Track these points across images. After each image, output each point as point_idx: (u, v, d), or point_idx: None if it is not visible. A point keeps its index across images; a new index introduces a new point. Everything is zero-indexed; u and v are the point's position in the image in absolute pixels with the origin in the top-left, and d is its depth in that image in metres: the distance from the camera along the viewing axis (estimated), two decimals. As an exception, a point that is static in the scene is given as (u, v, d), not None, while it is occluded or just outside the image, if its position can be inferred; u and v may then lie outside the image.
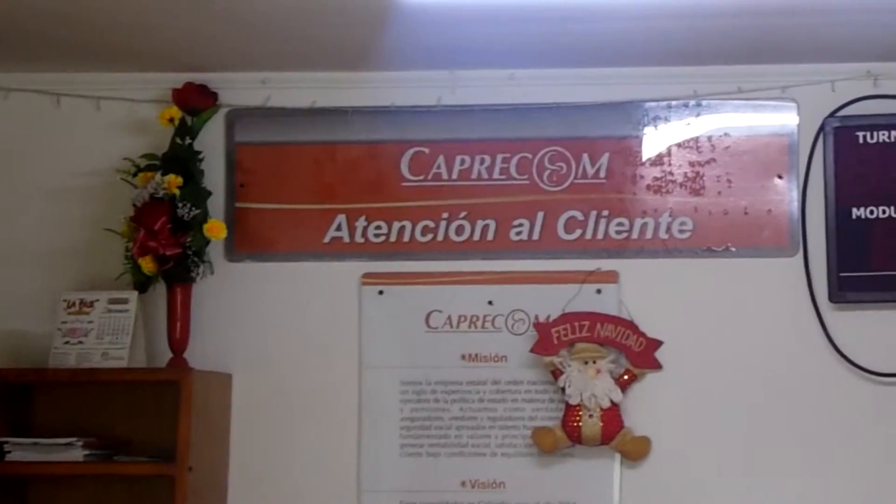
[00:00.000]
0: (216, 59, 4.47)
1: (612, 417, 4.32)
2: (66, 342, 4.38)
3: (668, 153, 4.47)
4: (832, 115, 4.35)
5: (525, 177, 4.52)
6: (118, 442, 4.38)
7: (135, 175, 4.47)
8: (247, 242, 4.61)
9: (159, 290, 4.45)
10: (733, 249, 4.41)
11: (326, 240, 4.56)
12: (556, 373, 4.34)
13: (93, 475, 4.36)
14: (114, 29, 4.14)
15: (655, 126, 4.49)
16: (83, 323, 4.39)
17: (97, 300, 4.43)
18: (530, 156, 4.53)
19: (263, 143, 4.64)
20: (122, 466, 4.33)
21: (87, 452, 4.25)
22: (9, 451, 4.28)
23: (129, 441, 4.39)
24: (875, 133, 4.32)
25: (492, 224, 4.52)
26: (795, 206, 4.41)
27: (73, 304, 4.40)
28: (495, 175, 4.54)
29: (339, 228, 4.56)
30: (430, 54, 4.37)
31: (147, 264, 4.35)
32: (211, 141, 4.59)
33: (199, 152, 4.52)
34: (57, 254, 4.58)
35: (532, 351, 4.38)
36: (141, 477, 4.35)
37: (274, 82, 4.55)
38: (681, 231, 4.44)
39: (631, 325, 4.37)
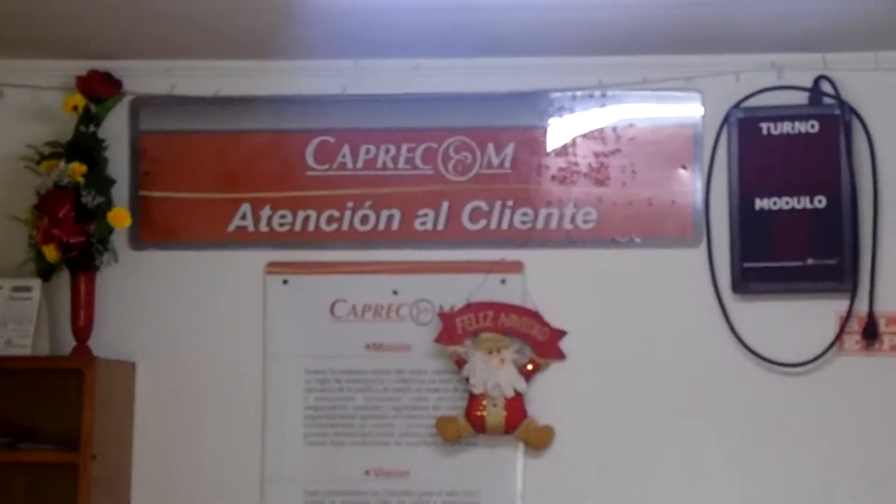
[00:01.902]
0: (121, 47, 4.45)
1: (516, 407, 4.33)
2: None
3: (573, 143, 4.48)
4: (736, 105, 4.38)
5: (430, 167, 4.53)
6: (21, 430, 4.35)
7: (38, 163, 4.46)
8: (151, 231, 4.60)
9: (63, 278, 4.45)
10: (637, 240, 4.44)
11: (231, 228, 4.57)
12: (460, 362, 4.36)
13: None
14: (17, 15, 4.09)
15: (560, 116, 4.49)
16: None
17: (0, 288, 4.41)
18: (435, 145, 4.53)
19: (168, 131, 4.63)
20: (25, 454, 4.30)
21: None
22: None
23: (32, 429, 4.36)
24: (778, 124, 4.36)
25: (396, 214, 4.53)
26: (699, 196, 4.41)
27: None
28: (400, 165, 4.54)
29: (243, 217, 4.56)
30: (335, 43, 4.36)
31: (51, 252, 4.34)
32: (115, 129, 4.58)
33: (103, 140, 4.50)
34: None
35: (436, 340, 4.39)
36: (44, 465, 4.34)
37: (179, 70, 4.56)
38: (585, 221, 4.46)
39: (535, 316, 4.38)
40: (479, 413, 4.31)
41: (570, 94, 4.48)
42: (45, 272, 4.39)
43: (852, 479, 4.34)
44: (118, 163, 4.56)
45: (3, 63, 4.54)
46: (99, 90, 4.50)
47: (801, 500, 4.36)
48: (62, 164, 4.39)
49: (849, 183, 4.32)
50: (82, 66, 4.50)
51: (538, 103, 4.50)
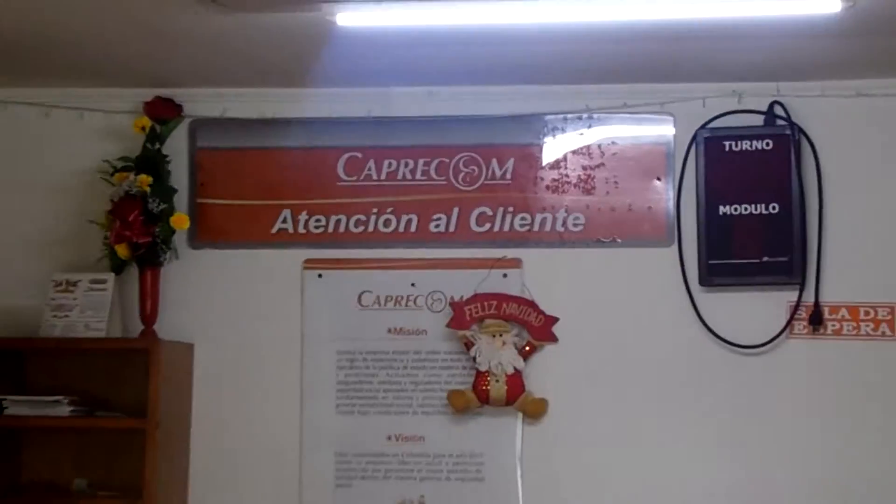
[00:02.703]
0: (181, 77, 4.63)
1: (516, 382, 4.56)
2: (55, 315, 4.61)
3: (564, 159, 4.67)
4: (703, 126, 4.57)
5: (443, 178, 4.72)
6: (98, 400, 4.59)
7: (112, 175, 4.65)
8: (207, 232, 4.79)
9: (132, 273, 4.66)
10: (619, 241, 4.62)
11: (274, 230, 4.76)
12: (468, 344, 4.58)
13: (76, 428, 4.59)
14: (94, 50, 4.30)
15: (553, 136, 4.69)
16: (69, 299, 4.61)
17: (80, 280, 4.64)
18: (447, 160, 4.72)
19: (220, 148, 4.82)
20: (102, 421, 4.56)
21: (71, 408, 4.50)
22: (6, 407, 4.52)
23: (107, 400, 4.60)
24: (739, 142, 4.55)
25: (414, 218, 4.71)
26: (672, 203, 4.60)
27: (61, 283, 4.64)
28: (417, 176, 4.73)
29: (284, 221, 4.75)
30: (362, 73, 4.53)
31: (122, 250, 4.55)
32: (176, 146, 4.78)
33: (166, 156, 4.70)
34: (48, 241, 4.80)
35: (448, 326, 4.62)
36: (117, 430, 4.57)
37: (229, 97, 4.75)
38: (574, 225, 4.64)
39: (532, 304, 4.59)
40: (484, 387, 4.55)
41: (561, 116, 4.67)
42: (118, 267, 4.62)
43: (800, 442, 4.53)
44: (179, 174, 4.76)
45: (82, 91, 4.74)
46: (163, 113, 4.70)
47: (756, 459, 4.52)
48: (132, 176, 4.61)
49: (798, 192, 4.48)
50: (149, 93, 4.70)
51: (534, 124, 4.69)
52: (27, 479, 4.72)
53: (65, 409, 4.50)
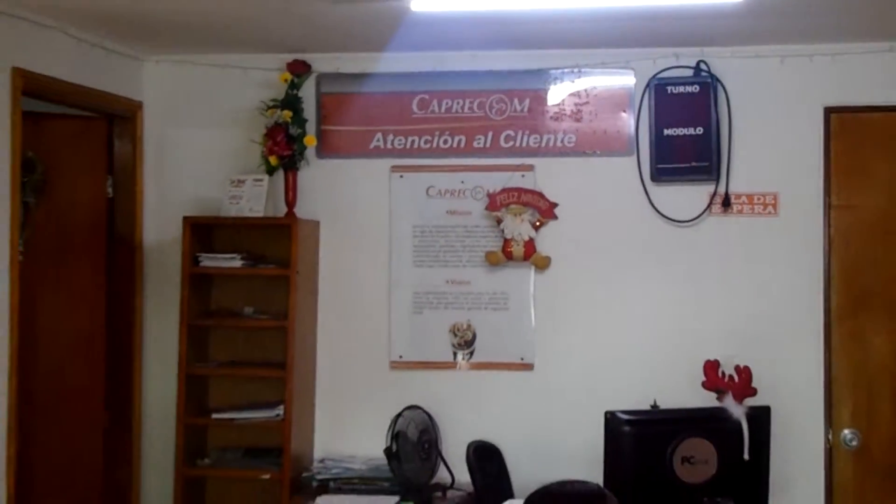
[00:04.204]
0: (311, 45, 5.54)
1: (530, 245, 5.60)
2: (231, 202, 5.64)
3: (563, 99, 5.67)
4: (653, 77, 5.55)
5: (482, 112, 5.70)
6: (259, 256, 5.61)
7: (266, 111, 5.62)
8: (328, 148, 5.76)
9: (280, 175, 5.67)
10: (598, 152, 5.64)
11: (371, 147, 5.75)
12: (498, 220, 5.61)
13: (245, 274, 5.57)
14: (254, 28, 5.18)
15: (555, 84, 5.67)
16: (239, 192, 5.62)
17: (247, 179, 5.65)
18: (484, 100, 5.68)
19: (337, 93, 5.76)
20: (262, 270, 5.54)
21: (242, 262, 5.52)
22: (201, 261, 5.56)
23: (264, 256, 5.61)
24: (676, 87, 5.58)
25: (463, 138, 5.68)
26: (633, 128, 5.58)
27: (235, 181, 5.67)
28: (465, 111, 5.70)
29: (377, 140, 5.74)
30: (428, 42, 5.42)
31: (273, 160, 5.59)
32: (308, 92, 5.73)
33: (301, 98, 5.67)
34: (226, 154, 5.82)
35: (486, 209, 5.65)
36: (271, 276, 5.56)
37: (342, 58, 5.70)
38: (569, 142, 5.67)
39: (541, 195, 5.62)
40: (509, 249, 5.60)
41: (560, 71, 5.64)
42: (270, 170, 5.63)
43: (714, 286, 5.57)
44: (309, 110, 5.72)
45: (246, 56, 5.73)
46: (299, 70, 5.65)
47: (686, 299, 5.57)
48: (279, 111, 5.57)
49: (715, 120, 5.48)
50: (289, 57, 5.67)
51: (542, 76, 5.64)
52: (214, 307, 5.81)
53: (238, 262, 5.53)
